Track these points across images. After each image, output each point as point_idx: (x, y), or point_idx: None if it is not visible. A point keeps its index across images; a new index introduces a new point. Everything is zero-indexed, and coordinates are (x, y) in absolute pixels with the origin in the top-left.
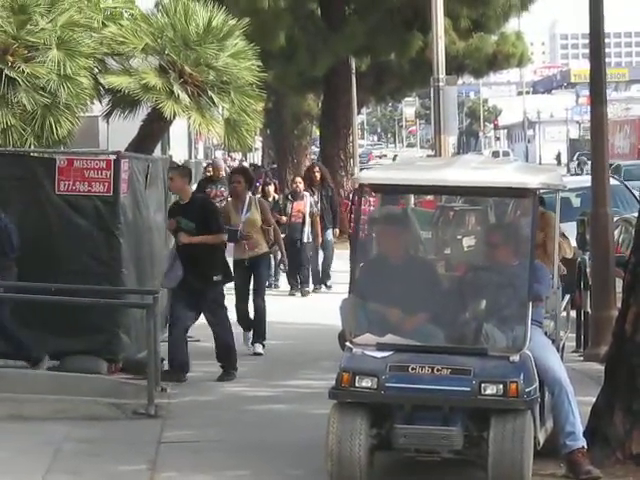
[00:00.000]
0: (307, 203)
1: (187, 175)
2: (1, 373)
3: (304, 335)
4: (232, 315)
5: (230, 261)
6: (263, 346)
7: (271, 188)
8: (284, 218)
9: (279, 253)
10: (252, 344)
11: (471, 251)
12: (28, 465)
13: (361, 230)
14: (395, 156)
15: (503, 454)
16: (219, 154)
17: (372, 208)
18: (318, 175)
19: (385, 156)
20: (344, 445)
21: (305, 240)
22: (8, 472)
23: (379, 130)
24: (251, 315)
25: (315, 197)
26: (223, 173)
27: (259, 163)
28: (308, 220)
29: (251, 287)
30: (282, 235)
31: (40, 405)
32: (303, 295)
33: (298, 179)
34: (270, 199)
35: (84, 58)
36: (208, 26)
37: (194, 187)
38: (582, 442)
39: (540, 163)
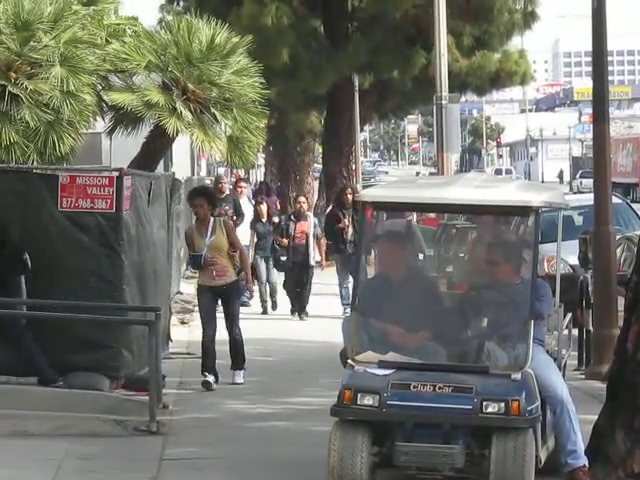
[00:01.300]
0: (311, 224)
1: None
2: (4, 390)
3: (304, 352)
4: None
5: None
6: (242, 374)
7: (264, 208)
8: (285, 240)
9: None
10: (232, 370)
11: (473, 269)
12: None
13: (364, 248)
14: (417, 173)
15: (505, 472)
16: (222, 171)
17: (374, 226)
18: (350, 197)
19: (387, 173)
20: (346, 462)
21: (312, 263)
22: None
23: (382, 147)
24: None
25: (346, 220)
26: (227, 191)
27: (262, 179)
28: (312, 242)
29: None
30: (284, 258)
31: (42, 421)
32: (301, 319)
33: (302, 198)
34: (264, 220)
35: (87, 75)
36: (211, 43)
37: None
38: (584, 460)
39: (542, 181)
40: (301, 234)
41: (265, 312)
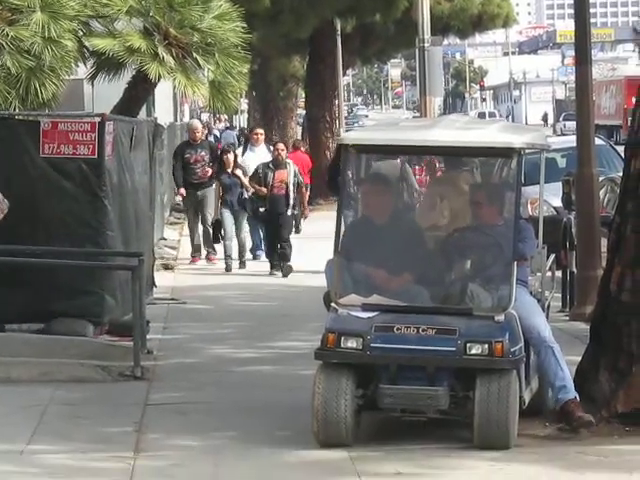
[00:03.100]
0: (291, 172)
1: None
2: None
3: (289, 296)
4: None
5: None
6: None
7: (230, 157)
8: (264, 189)
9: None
10: None
11: (456, 211)
12: (14, 428)
13: (347, 190)
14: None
15: (489, 413)
16: (205, 116)
17: (356, 169)
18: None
19: (367, 116)
20: (330, 405)
21: (289, 213)
22: None
23: (365, 92)
24: None
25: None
26: (202, 136)
27: (245, 125)
28: (293, 191)
29: None
30: (262, 209)
31: (26, 368)
32: (284, 275)
33: (280, 145)
34: (229, 170)
35: (68, 21)
36: None
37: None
38: (574, 393)
39: (526, 124)
40: (280, 183)
41: (229, 269)
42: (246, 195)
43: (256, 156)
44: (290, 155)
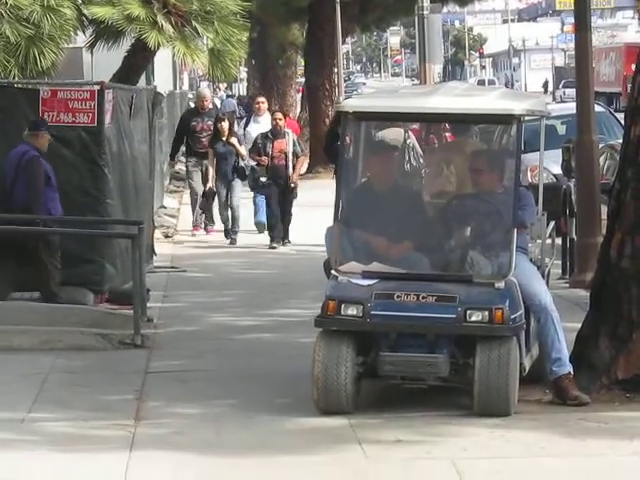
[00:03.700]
0: (290, 141)
1: None
2: None
3: (290, 264)
4: None
5: None
6: None
7: (225, 125)
8: (265, 159)
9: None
10: None
11: (456, 179)
12: (15, 396)
13: (346, 158)
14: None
15: (489, 380)
16: (204, 85)
17: (356, 136)
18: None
19: (364, 84)
20: (330, 373)
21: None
22: None
23: (364, 60)
24: None
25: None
26: (210, 104)
27: (244, 94)
28: (292, 160)
29: None
30: (264, 179)
31: (27, 336)
32: (285, 245)
33: (278, 114)
34: (224, 138)
35: None
36: None
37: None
38: (569, 368)
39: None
40: (279, 153)
41: (234, 242)
42: (242, 164)
43: (261, 127)
44: None
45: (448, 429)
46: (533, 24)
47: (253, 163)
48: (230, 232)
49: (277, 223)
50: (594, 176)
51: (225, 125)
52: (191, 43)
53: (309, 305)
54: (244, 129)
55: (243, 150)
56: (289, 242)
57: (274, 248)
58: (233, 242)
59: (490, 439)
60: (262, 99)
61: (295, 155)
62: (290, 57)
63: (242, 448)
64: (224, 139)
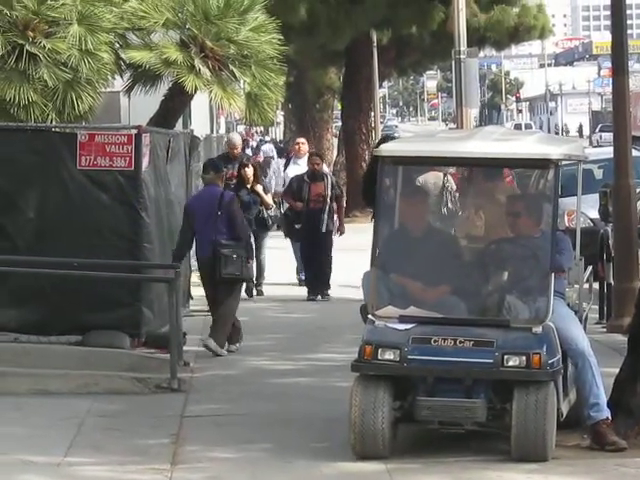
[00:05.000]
0: (328, 184)
1: None
2: (26, 349)
3: (326, 309)
4: None
5: None
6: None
7: (249, 171)
8: (299, 204)
9: None
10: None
11: (493, 223)
12: (52, 440)
13: (383, 202)
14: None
15: (526, 426)
16: (241, 128)
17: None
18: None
19: (396, 127)
20: (367, 417)
21: (324, 230)
22: (32, 446)
23: (401, 103)
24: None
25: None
26: (240, 150)
27: (281, 138)
28: (329, 205)
29: None
30: (298, 226)
31: (64, 380)
32: (324, 298)
33: (316, 158)
34: (248, 186)
35: (105, 33)
36: (228, 0)
37: None
38: (606, 413)
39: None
40: (317, 197)
41: (250, 295)
42: (265, 214)
43: (301, 169)
44: None
45: (486, 474)
46: (570, 68)
47: (286, 205)
48: (254, 285)
49: (314, 273)
50: (631, 221)
51: (249, 171)
52: (228, 87)
53: (346, 349)
54: (284, 172)
55: (269, 199)
56: (328, 297)
57: (312, 300)
58: (260, 294)
59: None
60: (302, 140)
61: (336, 197)
62: (327, 101)
63: None
64: (248, 186)
